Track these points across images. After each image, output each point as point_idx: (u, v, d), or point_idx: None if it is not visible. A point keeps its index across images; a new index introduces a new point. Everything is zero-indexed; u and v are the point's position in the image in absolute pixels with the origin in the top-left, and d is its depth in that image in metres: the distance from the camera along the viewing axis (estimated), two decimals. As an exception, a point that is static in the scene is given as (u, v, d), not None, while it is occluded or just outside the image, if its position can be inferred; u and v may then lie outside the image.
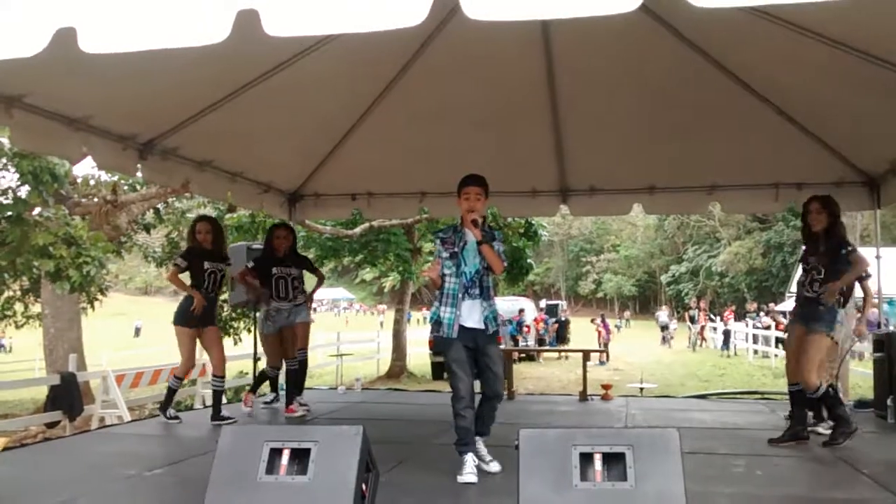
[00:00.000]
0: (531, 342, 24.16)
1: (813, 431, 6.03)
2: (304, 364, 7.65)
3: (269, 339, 7.57)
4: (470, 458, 4.62)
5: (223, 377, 7.19)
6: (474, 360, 4.82)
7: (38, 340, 21.05)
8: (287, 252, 7.51)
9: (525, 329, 24.28)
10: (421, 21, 2.66)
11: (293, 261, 7.59)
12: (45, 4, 2.86)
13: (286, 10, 2.76)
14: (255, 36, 2.71)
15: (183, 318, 6.92)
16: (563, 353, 23.86)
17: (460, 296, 4.77)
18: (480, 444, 4.80)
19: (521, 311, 24.97)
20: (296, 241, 7.91)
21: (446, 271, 4.82)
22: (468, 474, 4.53)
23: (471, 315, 4.77)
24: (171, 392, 7.23)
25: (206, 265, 6.93)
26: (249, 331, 12.68)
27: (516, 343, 22.53)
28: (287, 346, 7.53)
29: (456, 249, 4.81)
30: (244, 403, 7.83)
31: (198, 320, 6.91)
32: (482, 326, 4.77)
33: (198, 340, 7.10)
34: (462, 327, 4.75)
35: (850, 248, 5.75)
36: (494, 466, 4.74)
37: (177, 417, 7.02)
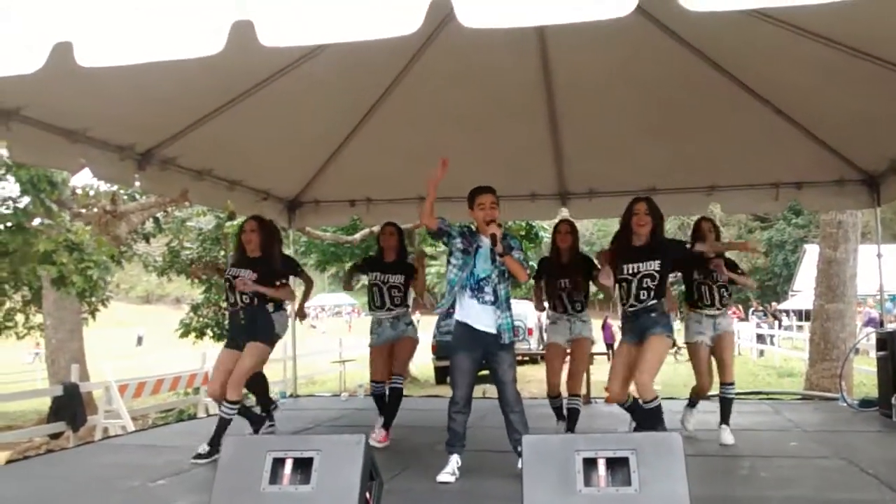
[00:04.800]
0: (533, 345, 24.09)
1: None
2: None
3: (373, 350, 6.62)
4: (453, 459, 4.77)
5: (234, 402, 5.71)
6: (481, 366, 4.90)
7: (25, 350, 20.92)
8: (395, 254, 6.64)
9: (528, 332, 24.21)
10: (416, 30, 2.66)
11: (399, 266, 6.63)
12: (42, 20, 2.87)
13: (281, 20, 2.76)
14: (251, 46, 2.71)
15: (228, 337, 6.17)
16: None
17: (457, 289, 4.85)
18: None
19: None
20: (402, 241, 6.82)
21: (453, 261, 4.90)
22: (444, 474, 4.68)
23: (481, 318, 4.83)
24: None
25: (232, 271, 5.92)
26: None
27: None
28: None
29: (470, 249, 4.88)
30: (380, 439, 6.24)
31: (235, 338, 5.95)
32: (494, 332, 4.81)
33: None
34: (472, 329, 4.81)
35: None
36: None
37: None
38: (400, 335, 6.54)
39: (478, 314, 4.82)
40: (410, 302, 7.06)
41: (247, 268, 5.89)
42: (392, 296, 6.52)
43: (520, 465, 4.63)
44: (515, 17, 2.70)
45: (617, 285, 5.49)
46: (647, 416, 5.34)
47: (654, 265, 5.26)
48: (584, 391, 6.46)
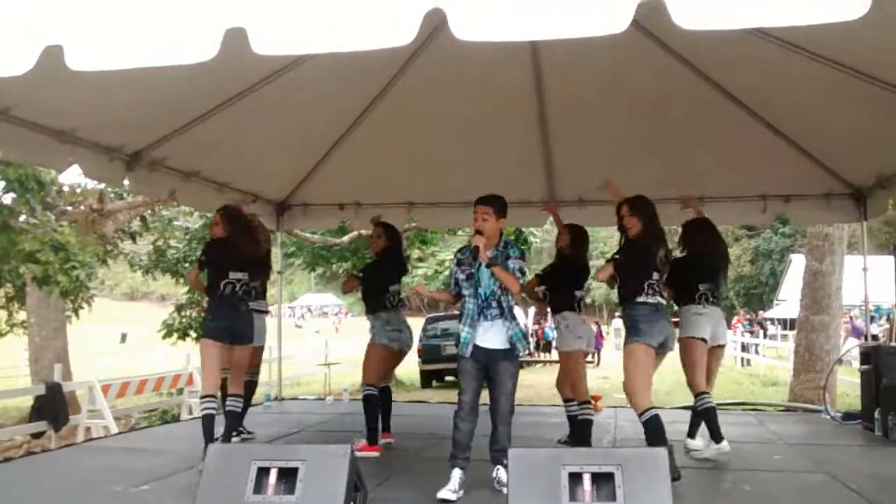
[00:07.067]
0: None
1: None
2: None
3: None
4: (456, 474, 4.55)
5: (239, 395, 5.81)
6: (486, 376, 4.78)
7: (21, 347, 20.76)
8: (383, 254, 6.52)
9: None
10: (409, 41, 2.66)
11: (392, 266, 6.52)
12: (33, 23, 2.85)
13: (274, 28, 2.75)
14: (243, 51, 2.70)
15: (207, 329, 5.68)
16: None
17: (476, 316, 4.76)
18: (498, 471, 4.61)
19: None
20: (397, 241, 6.71)
21: (465, 292, 4.86)
22: (445, 491, 4.42)
23: (487, 335, 4.74)
24: (206, 421, 5.42)
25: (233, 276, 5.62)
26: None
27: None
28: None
29: (472, 270, 4.82)
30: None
31: (224, 334, 5.55)
32: (507, 346, 4.73)
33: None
34: (477, 347, 4.73)
35: None
36: None
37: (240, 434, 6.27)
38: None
39: (485, 331, 4.74)
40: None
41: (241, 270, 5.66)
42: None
43: (494, 475, 4.63)
44: (509, 32, 2.70)
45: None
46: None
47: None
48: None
